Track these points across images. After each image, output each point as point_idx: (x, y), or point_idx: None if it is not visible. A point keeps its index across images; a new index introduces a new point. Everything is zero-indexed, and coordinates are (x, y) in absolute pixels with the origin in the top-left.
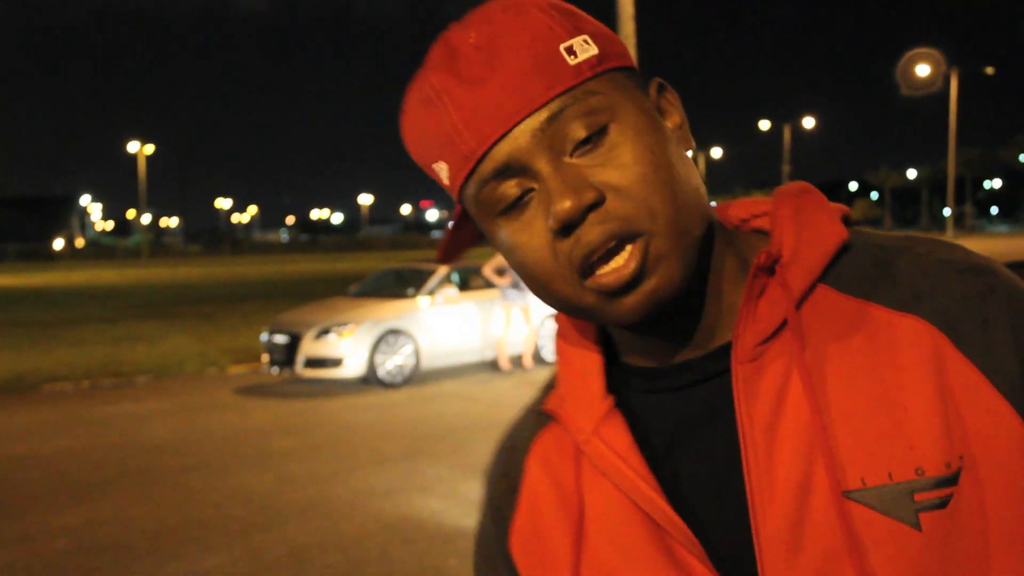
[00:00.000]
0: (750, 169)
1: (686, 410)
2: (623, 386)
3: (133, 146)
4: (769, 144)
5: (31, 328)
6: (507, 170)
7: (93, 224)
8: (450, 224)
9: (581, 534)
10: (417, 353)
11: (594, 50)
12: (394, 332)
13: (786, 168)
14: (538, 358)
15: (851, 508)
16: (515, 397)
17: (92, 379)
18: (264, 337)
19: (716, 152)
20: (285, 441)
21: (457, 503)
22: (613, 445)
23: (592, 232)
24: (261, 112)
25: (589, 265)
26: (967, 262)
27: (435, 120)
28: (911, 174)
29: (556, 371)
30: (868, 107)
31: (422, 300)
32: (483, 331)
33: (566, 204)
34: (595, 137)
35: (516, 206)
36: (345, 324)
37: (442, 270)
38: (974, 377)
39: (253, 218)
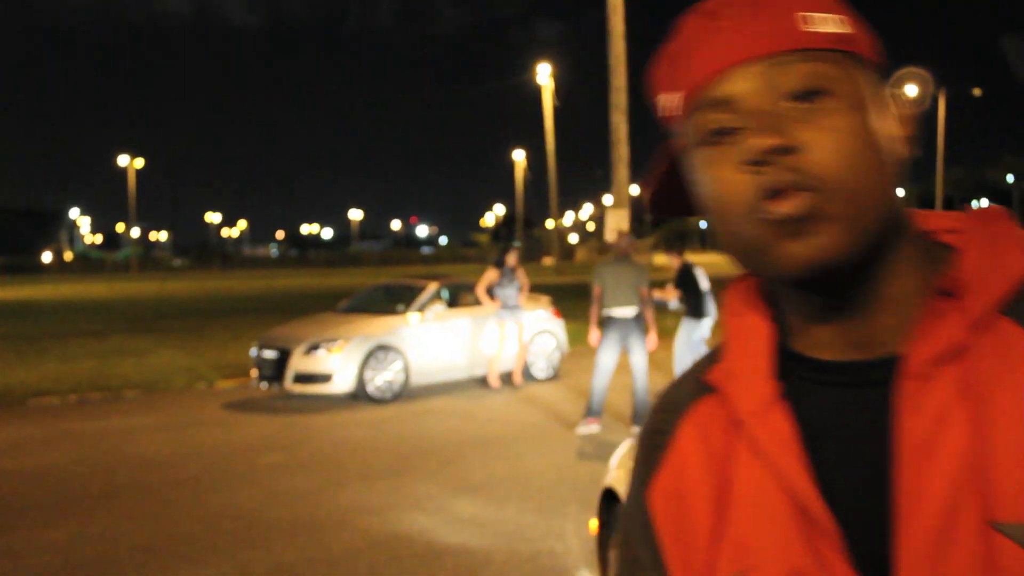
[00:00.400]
0: None
1: (846, 410)
2: (787, 372)
3: (123, 159)
4: None
5: (18, 341)
6: (722, 103)
7: (82, 237)
8: (657, 166)
9: (726, 506)
10: (407, 369)
11: (837, 29)
12: (384, 348)
13: None
14: (528, 375)
15: (997, 540)
16: (504, 414)
17: (80, 393)
18: (253, 352)
19: None
20: (273, 457)
21: (446, 520)
22: (776, 432)
23: (778, 173)
24: (252, 126)
25: (767, 198)
26: None
27: (682, 53)
28: (899, 193)
29: (722, 343)
30: None
31: (412, 316)
32: (473, 348)
33: (765, 140)
34: (812, 96)
35: (721, 138)
36: (335, 340)
37: (432, 286)
38: None
39: (243, 232)
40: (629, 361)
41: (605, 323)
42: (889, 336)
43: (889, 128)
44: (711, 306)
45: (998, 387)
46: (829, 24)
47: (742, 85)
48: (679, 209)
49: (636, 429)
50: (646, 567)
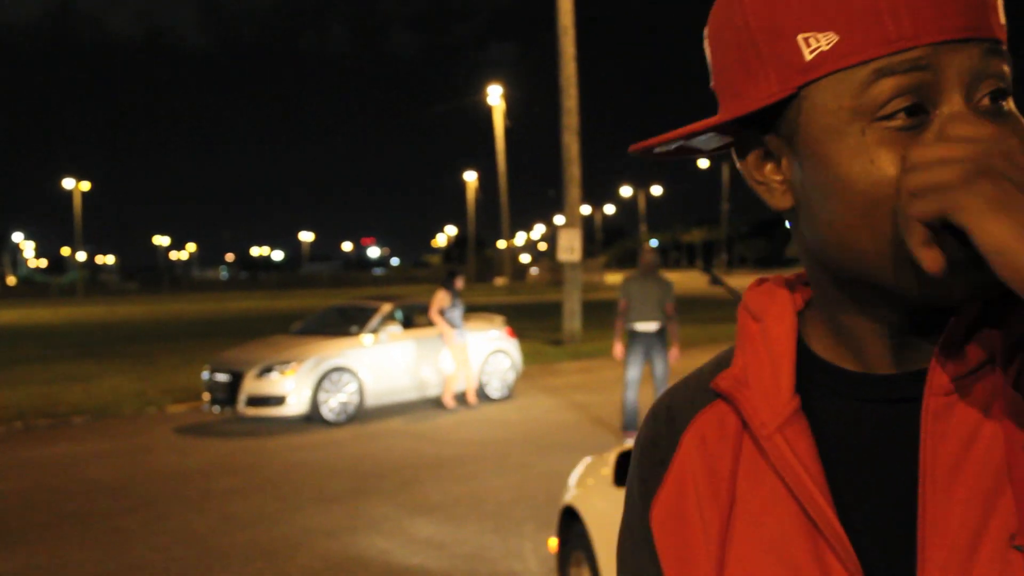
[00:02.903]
0: (691, 207)
1: (871, 426)
2: (807, 380)
3: (68, 182)
4: (709, 182)
5: None
6: (924, 77)
7: (26, 261)
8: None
9: (729, 525)
10: (361, 391)
11: (1004, 20)
12: (338, 370)
13: (725, 206)
14: (482, 395)
15: (1019, 559)
16: (460, 434)
17: (26, 420)
18: (205, 375)
19: (656, 190)
20: (227, 481)
21: (403, 542)
22: (795, 448)
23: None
24: (201, 148)
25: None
26: None
27: None
28: None
29: (734, 348)
30: None
31: (366, 338)
32: (427, 368)
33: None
34: (999, 98)
35: (902, 117)
36: (288, 362)
37: (385, 308)
38: None
39: (192, 255)
40: (651, 374)
41: (630, 337)
42: (924, 350)
43: None
44: None
45: None
46: (1002, 15)
47: (965, 65)
48: (678, 154)
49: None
50: None
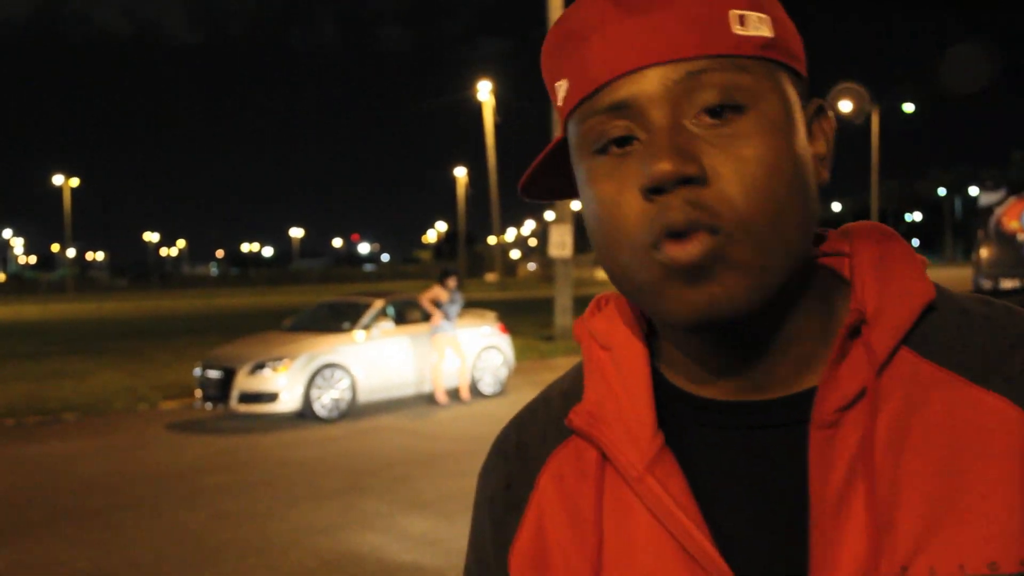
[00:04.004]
0: None
1: (743, 456)
2: (667, 411)
3: (58, 179)
4: None
5: None
6: (622, 108)
7: (16, 258)
8: (543, 153)
9: (599, 567)
10: (353, 387)
11: (768, 33)
12: (330, 366)
13: None
14: (475, 391)
15: None
16: (453, 430)
17: (17, 417)
18: (197, 372)
19: None
20: (219, 478)
21: (397, 538)
22: (668, 487)
23: (677, 210)
24: (191, 144)
25: (666, 236)
26: None
27: (576, 35)
28: (836, 207)
29: (583, 380)
30: None
31: (358, 334)
32: (420, 364)
33: (665, 166)
34: (726, 112)
35: (613, 149)
36: (280, 359)
37: (378, 304)
38: None
39: (182, 251)
40: None
41: None
42: (787, 375)
43: (811, 149)
44: None
45: (905, 429)
46: (759, 26)
47: (652, 90)
48: (554, 194)
49: None
50: None
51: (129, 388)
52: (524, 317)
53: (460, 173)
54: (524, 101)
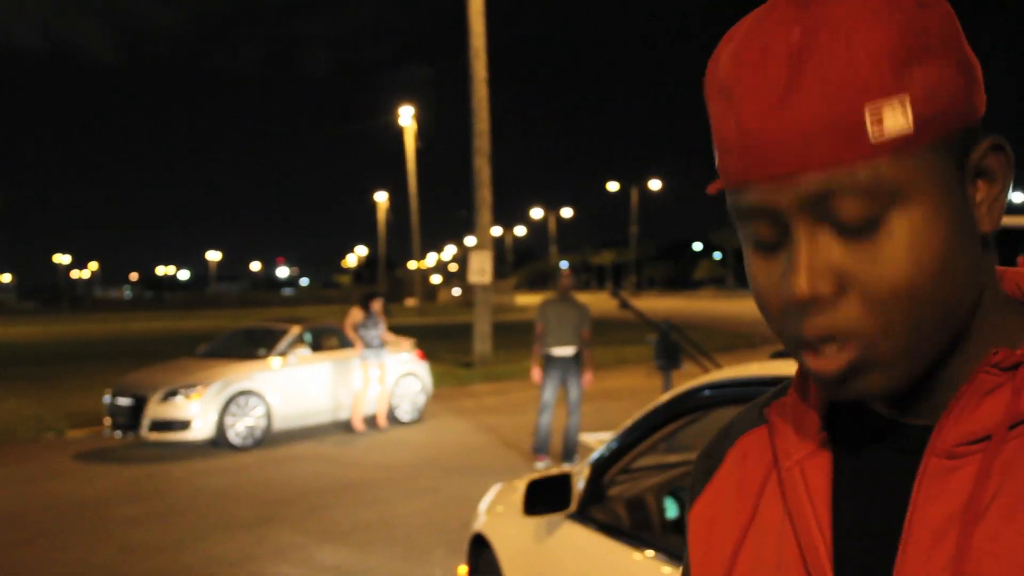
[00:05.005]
0: (600, 229)
1: (886, 474)
2: (847, 419)
3: None
4: (618, 205)
5: None
6: (761, 214)
7: None
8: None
9: (743, 542)
10: (269, 415)
11: (908, 124)
12: (244, 393)
13: (634, 228)
14: (392, 418)
15: None
16: (369, 458)
17: None
18: (107, 399)
19: (567, 212)
20: (129, 509)
21: (312, 570)
22: (809, 483)
23: (806, 324)
24: (105, 166)
25: (804, 349)
26: None
27: (722, 109)
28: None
29: (794, 375)
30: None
31: (274, 360)
32: (336, 391)
33: (800, 288)
34: (863, 230)
35: (765, 245)
36: (193, 385)
37: (294, 330)
38: None
39: (94, 274)
40: (565, 398)
41: (547, 361)
42: (944, 404)
43: (982, 194)
44: None
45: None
46: (897, 118)
47: (784, 204)
48: None
49: (544, 464)
50: None
51: (35, 416)
52: (443, 343)
53: (381, 198)
54: (446, 127)
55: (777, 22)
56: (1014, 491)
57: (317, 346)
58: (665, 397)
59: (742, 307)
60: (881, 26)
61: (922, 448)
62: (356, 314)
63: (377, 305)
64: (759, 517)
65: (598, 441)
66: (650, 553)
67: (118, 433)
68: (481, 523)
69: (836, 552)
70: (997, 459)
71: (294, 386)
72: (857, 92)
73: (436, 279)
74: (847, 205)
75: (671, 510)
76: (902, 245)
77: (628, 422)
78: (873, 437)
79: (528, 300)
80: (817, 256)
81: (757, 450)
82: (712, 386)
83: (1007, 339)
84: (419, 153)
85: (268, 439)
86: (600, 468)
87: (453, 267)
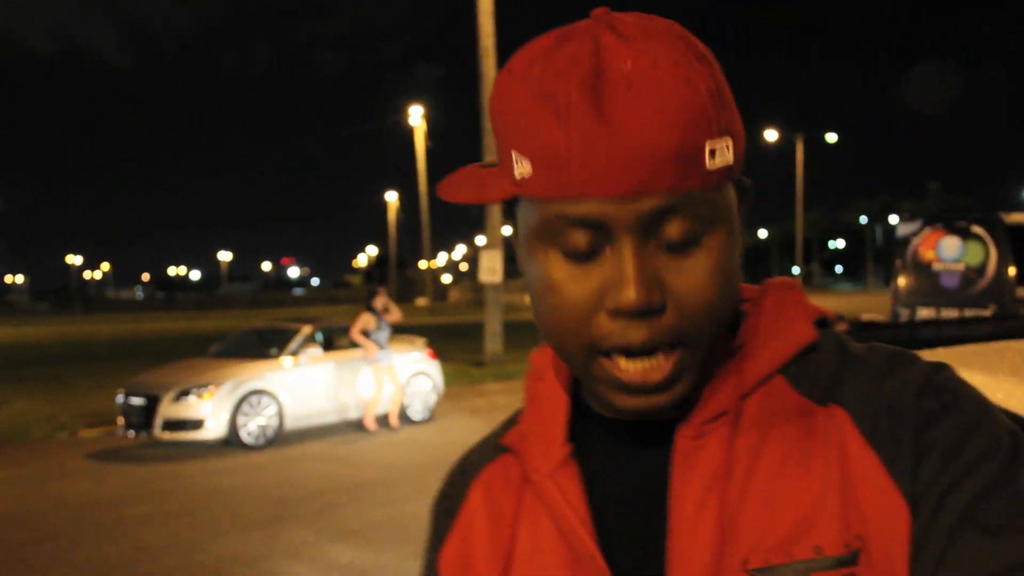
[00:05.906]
0: None
1: (636, 469)
2: (584, 433)
3: None
4: None
5: None
6: (591, 225)
7: None
8: (480, 166)
9: (508, 568)
10: (280, 414)
11: (730, 158)
12: (257, 393)
13: None
14: (404, 417)
15: None
16: (381, 458)
17: None
18: (119, 399)
19: None
20: (142, 508)
21: (324, 568)
22: (564, 490)
23: (637, 333)
24: (116, 167)
25: (618, 350)
26: (919, 376)
27: (550, 122)
28: (762, 234)
29: (522, 407)
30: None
31: (285, 360)
32: (348, 391)
33: (632, 297)
34: (687, 247)
35: (580, 255)
36: (206, 385)
37: (305, 330)
38: (874, 465)
39: (106, 275)
40: None
41: None
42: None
43: (739, 229)
44: None
45: (764, 445)
46: (725, 154)
47: (624, 218)
48: (472, 200)
49: None
50: None
51: (48, 416)
52: (454, 342)
53: (391, 198)
54: (456, 126)
55: (604, 48)
56: (750, 450)
57: (328, 346)
58: None
59: None
60: (708, 70)
61: (671, 439)
62: (366, 320)
63: (380, 301)
64: (520, 544)
65: None
66: None
67: (131, 433)
68: None
69: (608, 544)
70: (737, 427)
71: (306, 385)
72: (698, 128)
73: (447, 278)
74: (678, 224)
75: None
76: (714, 261)
77: None
78: (610, 439)
79: None
80: (647, 267)
81: (501, 480)
82: None
83: (725, 339)
84: (429, 152)
85: (280, 438)
86: None
87: (464, 266)
